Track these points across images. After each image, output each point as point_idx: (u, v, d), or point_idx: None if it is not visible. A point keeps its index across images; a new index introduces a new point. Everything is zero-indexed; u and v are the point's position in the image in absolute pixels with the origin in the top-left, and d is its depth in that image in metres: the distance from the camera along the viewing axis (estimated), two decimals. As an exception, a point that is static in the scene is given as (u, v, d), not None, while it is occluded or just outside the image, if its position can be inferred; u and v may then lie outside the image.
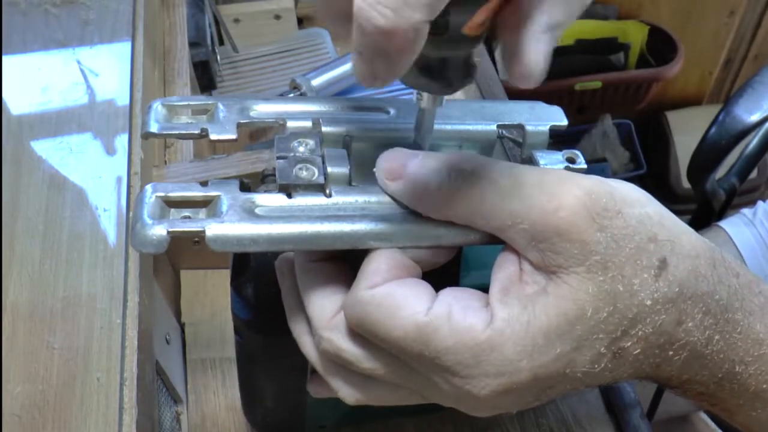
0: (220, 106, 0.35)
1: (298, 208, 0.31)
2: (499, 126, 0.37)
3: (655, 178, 1.56)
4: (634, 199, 0.30)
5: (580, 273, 0.29)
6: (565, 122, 0.37)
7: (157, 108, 0.35)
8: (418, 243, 0.31)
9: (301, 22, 0.86)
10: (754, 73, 0.82)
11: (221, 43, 0.81)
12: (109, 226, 0.45)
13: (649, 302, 0.30)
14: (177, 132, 0.34)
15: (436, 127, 0.35)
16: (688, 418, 0.81)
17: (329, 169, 0.33)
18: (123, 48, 0.57)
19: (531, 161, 0.35)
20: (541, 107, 0.38)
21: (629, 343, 0.30)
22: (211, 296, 0.56)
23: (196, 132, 0.34)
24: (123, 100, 0.53)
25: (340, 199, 0.32)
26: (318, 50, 0.82)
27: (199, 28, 0.71)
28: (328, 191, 0.32)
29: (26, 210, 0.46)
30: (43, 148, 0.50)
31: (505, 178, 0.30)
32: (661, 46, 1.49)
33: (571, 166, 0.35)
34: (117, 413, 0.37)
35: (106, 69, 0.56)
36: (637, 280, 0.29)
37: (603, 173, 1.49)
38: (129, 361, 0.39)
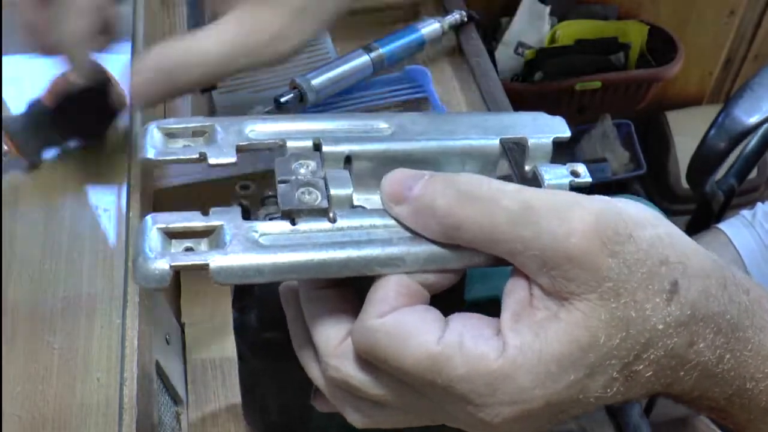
0: (218, 128, 0.34)
1: (303, 235, 0.31)
2: (502, 140, 0.36)
3: (655, 178, 1.56)
4: (644, 221, 0.30)
5: (592, 300, 0.29)
6: (568, 134, 0.37)
7: (153, 132, 0.34)
8: (426, 267, 0.31)
9: (301, 22, 0.86)
10: (754, 73, 0.82)
11: (221, 43, 0.81)
12: (109, 226, 0.45)
13: (661, 326, 0.29)
14: (175, 157, 0.34)
15: (439, 143, 0.35)
16: (688, 421, 0.81)
17: (332, 192, 0.32)
18: (123, 48, 0.57)
19: (535, 175, 0.35)
20: (543, 118, 0.37)
21: (641, 367, 0.30)
22: (211, 296, 0.56)
23: (195, 156, 0.33)
24: (123, 100, 0.53)
25: (344, 223, 0.31)
26: (318, 50, 0.82)
27: (199, 28, 0.71)
28: (332, 215, 0.32)
29: (26, 210, 0.46)
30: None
31: (514, 202, 0.30)
32: (661, 46, 1.49)
33: (575, 180, 0.34)
34: (117, 413, 0.37)
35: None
36: (649, 305, 0.29)
37: (603, 173, 1.49)
38: (129, 361, 0.39)
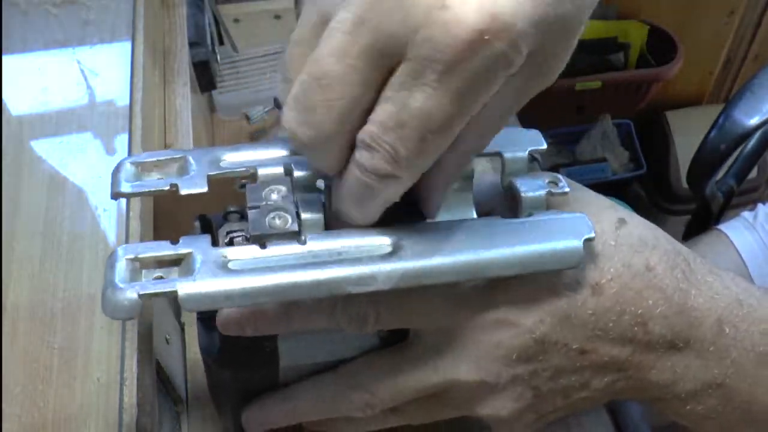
0: (190, 159, 0.35)
1: (273, 258, 0.31)
2: (476, 156, 0.36)
3: (655, 178, 1.56)
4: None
5: None
6: (544, 146, 0.37)
7: (126, 166, 0.34)
8: (399, 285, 0.31)
9: (301, 22, 0.86)
10: (754, 73, 0.82)
11: (221, 43, 0.81)
12: (109, 226, 0.45)
13: (612, 242, 0.34)
14: (147, 190, 0.34)
15: None
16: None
17: (303, 216, 0.32)
18: (123, 48, 0.57)
19: (511, 189, 0.35)
20: (517, 132, 0.37)
21: (604, 280, 0.33)
22: (211, 296, 0.56)
23: (166, 188, 0.34)
24: (123, 100, 0.53)
25: (315, 245, 0.31)
26: (318, 50, 0.82)
27: (199, 27, 0.71)
28: (303, 238, 0.31)
29: (26, 210, 0.46)
30: (43, 148, 0.50)
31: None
32: (661, 46, 1.49)
33: (552, 191, 0.34)
34: (117, 413, 0.37)
35: (106, 69, 0.56)
36: (599, 227, 0.34)
37: (603, 173, 1.49)
38: (129, 361, 0.39)
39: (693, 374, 0.35)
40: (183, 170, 0.34)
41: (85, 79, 0.55)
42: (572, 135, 1.53)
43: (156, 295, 0.29)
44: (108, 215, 0.46)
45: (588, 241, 0.32)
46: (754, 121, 0.77)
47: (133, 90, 0.54)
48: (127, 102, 0.53)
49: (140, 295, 0.29)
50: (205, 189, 0.33)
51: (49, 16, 0.60)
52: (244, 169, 0.35)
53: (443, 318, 0.35)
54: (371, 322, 0.34)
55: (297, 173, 0.34)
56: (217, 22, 0.78)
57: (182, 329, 0.54)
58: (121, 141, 0.51)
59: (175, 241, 0.31)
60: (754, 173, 1.21)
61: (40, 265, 0.43)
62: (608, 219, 0.35)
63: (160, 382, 0.45)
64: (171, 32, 0.68)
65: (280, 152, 0.35)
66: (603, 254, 0.34)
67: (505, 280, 0.34)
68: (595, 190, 0.38)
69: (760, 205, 0.74)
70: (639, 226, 0.35)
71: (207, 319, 0.37)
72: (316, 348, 0.38)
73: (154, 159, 0.35)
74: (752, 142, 0.83)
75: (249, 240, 0.32)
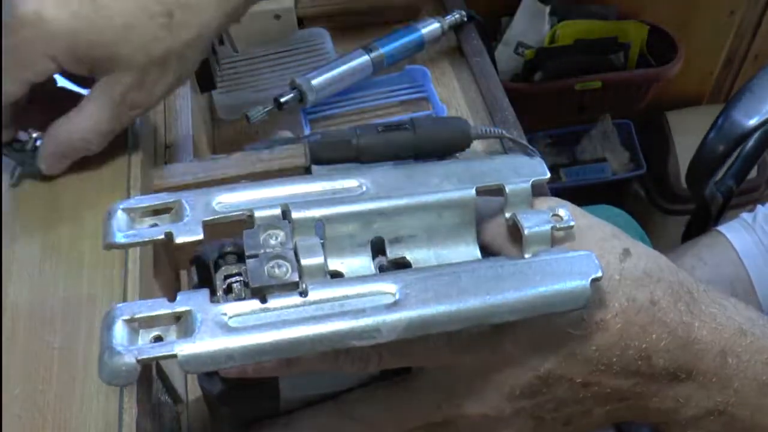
0: (184, 203, 0.34)
1: (273, 313, 0.30)
2: (478, 189, 0.35)
3: (655, 178, 1.56)
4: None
5: None
6: (546, 175, 0.36)
7: (118, 214, 0.33)
8: (405, 336, 0.30)
9: (301, 22, 0.86)
10: (754, 73, 0.82)
11: (221, 43, 0.81)
12: (109, 226, 0.45)
13: (617, 277, 0.34)
14: (141, 240, 0.33)
15: (413, 199, 0.34)
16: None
17: (303, 263, 0.31)
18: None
19: (515, 224, 0.34)
20: (521, 160, 0.36)
21: (609, 316, 0.33)
22: (210, 296, 0.56)
23: (161, 237, 0.33)
24: (123, 100, 0.53)
25: (316, 295, 0.31)
26: (318, 50, 0.82)
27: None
28: (303, 288, 0.31)
29: (26, 210, 0.47)
30: (43, 148, 0.50)
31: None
32: (661, 46, 1.49)
33: (557, 225, 0.34)
34: (117, 413, 0.37)
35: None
36: (603, 261, 0.33)
37: (603, 173, 1.49)
38: (129, 361, 0.39)
39: (695, 402, 0.35)
40: (177, 216, 0.34)
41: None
42: (572, 135, 1.52)
43: (155, 359, 0.29)
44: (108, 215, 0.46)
45: (595, 281, 0.32)
46: (753, 121, 0.77)
47: (133, 90, 0.54)
48: (127, 102, 0.53)
49: (139, 360, 0.28)
50: (200, 236, 0.33)
51: (50, 16, 0.59)
52: (240, 212, 0.34)
53: (447, 359, 0.35)
54: (374, 364, 0.34)
55: (295, 215, 0.33)
56: (217, 22, 0.78)
57: (182, 329, 0.54)
58: (121, 141, 0.51)
59: (171, 299, 0.31)
60: (753, 173, 1.21)
61: (40, 265, 0.43)
62: (612, 251, 0.34)
63: (160, 382, 0.45)
64: (171, 32, 0.68)
65: (277, 191, 0.35)
66: (608, 290, 0.34)
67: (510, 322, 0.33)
68: (595, 190, 0.38)
69: (759, 207, 0.74)
70: (643, 256, 0.35)
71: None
72: (317, 381, 0.38)
73: (146, 204, 0.34)
74: (751, 143, 0.83)
75: (247, 287, 0.32)
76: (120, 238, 0.33)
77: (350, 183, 0.35)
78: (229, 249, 0.35)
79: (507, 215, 0.35)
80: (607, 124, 1.53)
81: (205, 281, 0.35)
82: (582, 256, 0.33)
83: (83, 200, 0.47)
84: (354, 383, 0.38)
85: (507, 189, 0.35)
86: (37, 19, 0.42)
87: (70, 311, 0.41)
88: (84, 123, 0.46)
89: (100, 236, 0.44)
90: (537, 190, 0.36)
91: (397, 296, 0.31)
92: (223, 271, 0.34)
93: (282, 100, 0.72)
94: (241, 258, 0.35)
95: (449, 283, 0.31)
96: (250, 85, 0.79)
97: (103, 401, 0.37)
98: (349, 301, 0.30)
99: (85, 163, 0.49)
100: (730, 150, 0.78)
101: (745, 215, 0.74)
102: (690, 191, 0.86)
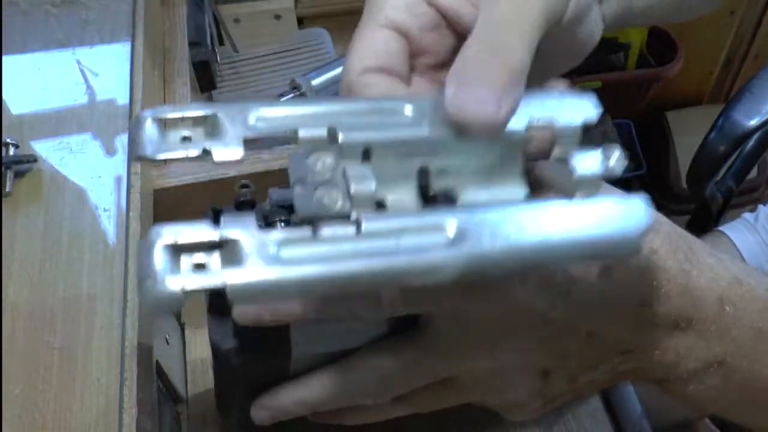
0: (221, 115, 0.30)
1: (327, 246, 0.28)
2: (528, 126, 0.33)
3: (655, 178, 1.56)
4: None
5: None
6: (595, 115, 0.34)
7: (147, 123, 0.29)
8: (466, 276, 0.28)
9: (301, 22, 0.86)
10: (754, 73, 0.82)
11: (221, 43, 0.81)
12: (109, 226, 0.45)
13: None
14: (173, 154, 0.29)
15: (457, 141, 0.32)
16: (692, 426, 0.81)
17: (353, 190, 0.29)
18: (123, 48, 0.57)
19: (564, 163, 0.33)
20: (571, 97, 0.34)
21: (611, 264, 0.34)
22: (211, 296, 0.56)
23: (198, 153, 0.29)
24: (123, 100, 0.54)
25: (371, 227, 0.28)
26: (318, 50, 0.82)
27: (199, 28, 0.71)
28: (356, 219, 0.28)
29: (26, 210, 0.46)
30: (43, 148, 0.50)
31: None
32: (661, 46, 1.49)
33: (608, 166, 0.32)
34: (117, 413, 0.37)
35: (106, 69, 0.56)
36: None
37: (603, 173, 1.49)
38: (129, 361, 0.39)
39: (695, 354, 0.35)
40: (213, 130, 0.30)
41: (85, 79, 0.55)
42: (572, 135, 1.53)
43: (203, 290, 0.26)
44: (108, 215, 0.46)
45: (646, 229, 0.30)
46: (753, 122, 0.77)
47: (133, 90, 0.54)
48: (127, 102, 0.53)
49: (186, 292, 0.26)
50: (240, 155, 0.29)
51: (49, 16, 0.60)
52: (282, 130, 0.30)
53: (457, 304, 0.34)
54: (386, 308, 0.33)
55: (343, 138, 0.30)
56: (217, 22, 0.78)
57: (182, 329, 0.54)
58: (121, 141, 0.51)
59: (216, 219, 0.28)
60: (753, 173, 1.21)
61: (40, 265, 0.43)
62: None
63: (160, 382, 0.45)
64: (171, 32, 0.68)
65: (321, 109, 0.31)
66: None
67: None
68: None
69: (760, 206, 0.74)
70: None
71: (219, 309, 0.37)
72: (327, 337, 0.37)
73: (180, 114, 0.30)
74: (751, 143, 0.83)
75: (291, 226, 0.29)
76: (150, 150, 0.29)
77: (398, 106, 0.32)
78: (243, 198, 0.33)
79: (557, 153, 0.34)
80: (607, 124, 1.53)
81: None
82: (634, 201, 0.31)
83: (84, 200, 0.47)
84: (363, 342, 0.37)
85: (557, 126, 0.33)
86: None
87: (70, 311, 0.41)
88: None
89: (100, 236, 0.45)
90: (590, 131, 0.34)
91: (455, 233, 0.29)
92: (262, 210, 0.32)
93: (282, 100, 0.72)
94: (282, 209, 0.33)
95: (503, 221, 0.29)
96: (250, 85, 0.79)
97: (103, 401, 0.37)
98: (406, 236, 0.28)
99: (85, 163, 0.49)
100: (731, 150, 0.78)
101: (747, 215, 0.74)
102: (690, 191, 0.86)
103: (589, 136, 0.35)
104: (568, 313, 0.34)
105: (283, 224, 0.32)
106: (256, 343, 0.36)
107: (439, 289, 0.32)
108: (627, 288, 0.34)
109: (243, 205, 0.36)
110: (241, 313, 0.34)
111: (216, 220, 0.28)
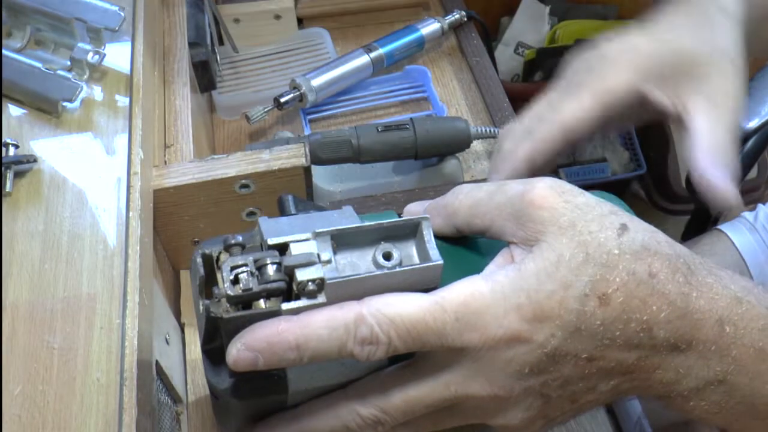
0: None
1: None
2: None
3: (655, 178, 1.56)
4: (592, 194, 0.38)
5: (554, 231, 0.35)
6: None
7: None
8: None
9: (301, 22, 0.86)
10: (752, 74, 0.82)
11: (221, 43, 0.81)
12: (109, 226, 0.45)
13: (616, 251, 0.35)
14: None
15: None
16: (692, 425, 0.81)
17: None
18: (123, 48, 0.57)
19: None
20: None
21: (610, 290, 0.34)
22: (210, 296, 0.56)
23: None
24: (123, 100, 0.54)
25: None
26: (318, 50, 0.82)
27: (199, 28, 0.71)
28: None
29: (26, 210, 0.46)
30: (43, 148, 0.50)
31: (491, 185, 0.39)
32: (660, 47, 1.49)
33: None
34: (117, 413, 0.37)
35: (106, 69, 0.56)
36: (602, 235, 0.35)
37: (603, 173, 1.49)
38: (129, 361, 0.39)
39: (696, 373, 0.36)
40: None
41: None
42: (572, 135, 1.53)
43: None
44: (108, 215, 0.46)
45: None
46: (752, 123, 0.76)
47: (133, 90, 0.54)
48: (127, 102, 0.53)
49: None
50: None
51: (49, 16, 0.59)
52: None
53: (456, 341, 0.35)
54: (383, 348, 0.34)
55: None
56: (217, 22, 0.78)
57: (182, 329, 0.54)
58: (121, 141, 0.51)
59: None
60: (753, 173, 1.21)
61: (40, 265, 0.43)
62: (610, 226, 0.35)
63: (160, 382, 0.45)
64: (171, 32, 0.68)
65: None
66: (608, 264, 0.34)
67: (516, 298, 0.34)
68: (595, 190, 0.38)
69: (760, 206, 0.74)
70: (640, 231, 0.36)
71: (214, 352, 0.37)
72: (325, 372, 0.38)
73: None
74: (750, 143, 0.83)
75: (254, 277, 0.33)
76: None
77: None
78: (233, 241, 0.35)
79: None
80: (607, 124, 1.53)
81: (211, 274, 0.36)
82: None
83: (84, 200, 0.47)
84: (361, 374, 0.38)
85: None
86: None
87: (70, 311, 0.41)
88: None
89: (100, 236, 0.45)
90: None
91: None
92: (229, 262, 0.34)
93: (282, 100, 0.72)
94: (245, 249, 0.35)
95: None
96: (250, 85, 0.79)
97: (103, 401, 0.37)
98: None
99: (85, 163, 0.49)
100: (730, 152, 0.78)
101: (746, 214, 0.74)
102: (690, 192, 0.86)
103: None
104: (568, 342, 0.35)
105: (243, 273, 0.35)
106: (252, 382, 0.36)
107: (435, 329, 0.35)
108: (626, 315, 0.34)
109: (233, 248, 0.36)
110: (235, 360, 0.34)
111: (204, 265, 0.35)
